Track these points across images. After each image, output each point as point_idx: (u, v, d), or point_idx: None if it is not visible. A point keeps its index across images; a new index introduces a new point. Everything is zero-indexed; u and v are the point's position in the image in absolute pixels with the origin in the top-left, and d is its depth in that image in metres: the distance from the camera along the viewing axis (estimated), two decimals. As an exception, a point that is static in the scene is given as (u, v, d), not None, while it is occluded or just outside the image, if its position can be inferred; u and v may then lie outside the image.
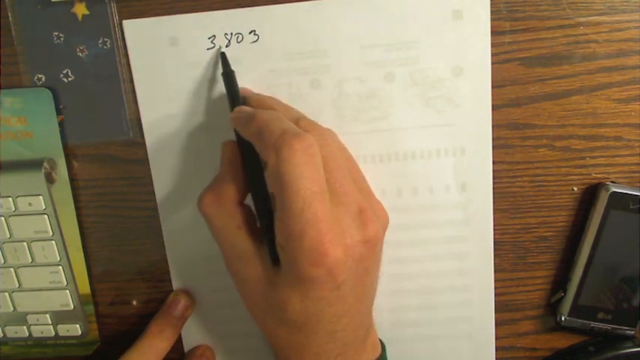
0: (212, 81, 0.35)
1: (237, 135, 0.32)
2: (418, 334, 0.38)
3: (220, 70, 0.34)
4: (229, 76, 0.33)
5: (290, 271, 0.28)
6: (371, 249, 0.29)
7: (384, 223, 0.32)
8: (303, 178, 0.26)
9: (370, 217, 0.29)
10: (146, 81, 0.35)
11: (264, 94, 0.35)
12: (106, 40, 0.35)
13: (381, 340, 0.34)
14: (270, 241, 0.29)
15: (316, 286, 0.27)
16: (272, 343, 0.32)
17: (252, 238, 0.30)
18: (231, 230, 0.30)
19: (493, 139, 0.35)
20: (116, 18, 0.34)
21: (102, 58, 0.35)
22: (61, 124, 0.36)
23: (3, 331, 0.39)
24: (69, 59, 0.35)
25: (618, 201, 0.35)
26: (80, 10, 0.34)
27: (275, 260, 0.29)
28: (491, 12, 0.34)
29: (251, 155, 0.31)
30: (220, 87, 0.35)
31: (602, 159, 0.36)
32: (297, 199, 0.26)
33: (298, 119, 0.31)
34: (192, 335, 0.39)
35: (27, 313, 0.39)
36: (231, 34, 0.34)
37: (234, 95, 0.33)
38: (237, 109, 0.32)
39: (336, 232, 0.27)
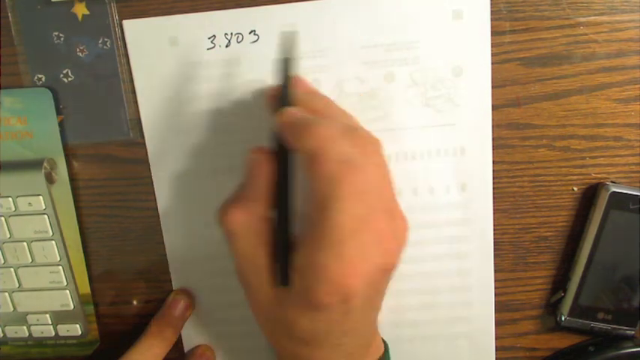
0: (212, 81, 0.35)
1: (276, 140, 0.29)
2: (418, 334, 0.38)
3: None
4: (287, 64, 0.29)
5: (303, 294, 0.27)
6: (386, 274, 0.28)
7: (401, 245, 0.29)
8: (346, 215, 0.26)
9: (390, 244, 0.28)
10: (146, 81, 0.35)
11: (262, 94, 0.34)
12: (106, 40, 0.35)
13: (384, 340, 0.34)
14: (284, 261, 0.29)
15: (328, 311, 0.27)
16: (276, 350, 0.32)
17: (271, 255, 0.29)
18: (253, 247, 0.29)
19: (493, 139, 0.35)
20: (116, 18, 0.34)
21: (102, 58, 0.35)
22: (61, 124, 0.36)
23: (3, 331, 0.39)
24: (69, 59, 0.35)
25: (618, 201, 0.35)
26: (80, 10, 0.34)
27: (284, 279, 0.29)
28: (491, 12, 0.34)
29: (285, 168, 0.29)
30: (221, 87, 0.35)
31: (602, 159, 0.36)
32: (332, 234, 0.26)
33: (353, 130, 0.28)
34: (192, 335, 0.39)
35: (27, 313, 0.39)
36: (231, 34, 0.34)
37: (286, 92, 0.29)
38: (287, 112, 0.28)
39: (360, 265, 0.26)
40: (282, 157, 0.29)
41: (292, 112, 0.29)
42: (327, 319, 0.27)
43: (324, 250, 0.26)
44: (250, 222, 0.29)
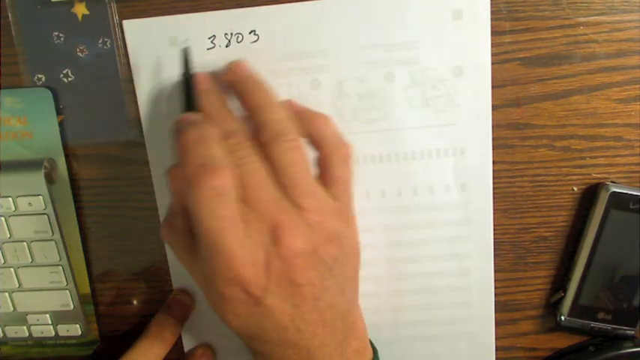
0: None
1: None
2: (418, 334, 0.38)
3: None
4: (187, 80, 0.32)
5: (211, 292, 0.29)
6: (289, 262, 0.28)
7: (317, 235, 0.30)
8: (212, 217, 0.27)
9: (285, 232, 0.28)
10: (146, 81, 0.35)
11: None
12: (106, 40, 0.35)
13: (373, 346, 0.34)
14: None
15: (238, 302, 0.28)
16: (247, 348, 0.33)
17: None
18: (185, 255, 0.31)
19: (493, 139, 0.35)
20: (116, 18, 0.34)
21: (102, 58, 0.35)
22: (61, 124, 0.36)
23: (3, 331, 0.39)
24: (69, 59, 0.35)
25: (618, 201, 0.35)
26: (80, 10, 0.34)
27: None
28: (491, 12, 0.34)
29: None
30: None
31: (602, 159, 0.36)
32: (207, 234, 0.27)
33: (230, 134, 0.30)
34: (192, 335, 0.39)
35: (27, 313, 0.39)
36: (231, 34, 0.34)
37: (188, 99, 0.31)
38: (182, 116, 0.31)
39: (245, 254, 0.28)
40: None
41: (181, 117, 0.31)
42: (246, 313, 0.29)
43: (206, 248, 0.28)
44: (175, 233, 0.31)
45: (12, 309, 0.38)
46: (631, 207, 0.35)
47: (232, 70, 0.33)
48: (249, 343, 0.32)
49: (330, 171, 0.32)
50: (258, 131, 0.30)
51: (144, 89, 0.35)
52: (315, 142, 0.32)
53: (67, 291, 0.38)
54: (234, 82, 0.33)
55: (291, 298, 0.29)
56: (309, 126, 0.32)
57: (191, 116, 0.30)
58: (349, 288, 0.32)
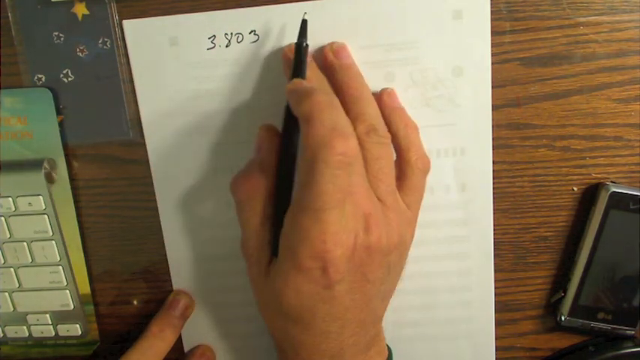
0: (212, 81, 0.35)
1: (287, 112, 0.30)
2: (418, 334, 0.38)
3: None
4: (300, 48, 0.31)
5: (287, 259, 0.28)
6: (371, 255, 0.29)
7: (393, 234, 0.30)
8: (331, 183, 0.26)
9: (375, 223, 0.28)
10: (146, 81, 0.35)
11: (262, 94, 0.35)
12: (106, 40, 0.35)
13: (389, 348, 0.34)
14: (277, 231, 0.30)
15: (310, 279, 0.28)
16: (272, 333, 0.32)
17: (274, 229, 0.30)
18: (258, 219, 0.31)
19: (493, 139, 0.35)
20: (116, 18, 0.34)
21: (102, 58, 0.35)
22: (61, 124, 0.36)
23: (3, 331, 0.39)
24: (69, 59, 0.35)
25: (618, 201, 0.35)
26: (80, 10, 0.34)
27: (275, 249, 0.30)
28: (492, 12, 0.34)
29: (291, 139, 0.30)
30: (221, 87, 0.35)
31: (602, 159, 0.36)
32: (317, 200, 0.26)
33: (358, 115, 0.30)
34: (192, 335, 0.39)
35: (27, 313, 0.39)
36: (231, 34, 0.34)
37: (299, 66, 0.31)
38: (295, 80, 0.30)
39: (340, 234, 0.27)
40: (289, 127, 0.30)
41: (297, 81, 0.30)
42: (311, 292, 0.28)
43: (306, 213, 0.27)
44: (258, 193, 0.30)
45: (12, 309, 0.38)
46: (631, 207, 0.35)
47: (335, 53, 0.33)
48: (285, 328, 0.30)
49: (409, 178, 0.32)
50: (355, 120, 0.30)
51: (144, 89, 0.35)
52: (401, 147, 0.32)
53: (67, 291, 0.38)
54: (334, 66, 0.32)
55: (355, 292, 0.29)
56: (402, 129, 0.32)
57: (307, 83, 0.30)
58: (388, 297, 0.33)
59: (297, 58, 0.31)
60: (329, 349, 0.30)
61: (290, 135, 0.30)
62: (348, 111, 0.30)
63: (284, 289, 0.29)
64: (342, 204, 0.27)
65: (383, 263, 0.30)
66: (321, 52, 0.33)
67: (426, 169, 0.33)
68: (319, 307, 0.29)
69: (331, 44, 0.33)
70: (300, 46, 0.31)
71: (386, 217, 0.30)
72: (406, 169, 0.32)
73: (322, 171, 0.26)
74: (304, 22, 0.32)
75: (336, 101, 0.29)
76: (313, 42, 0.34)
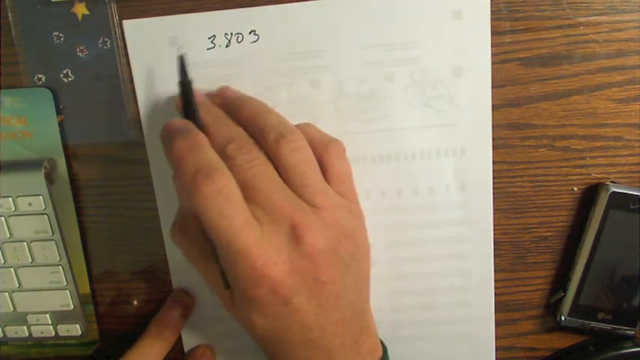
0: (212, 81, 0.35)
1: None
2: (418, 334, 0.38)
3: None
4: (185, 86, 0.31)
5: (238, 293, 0.29)
6: (314, 260, 0.28)
7: (334, 232, 0.30)
8: (222, 218, 0.27)
9: (305, 230, 0.28)
10: (146, 81, 0.35)
11: (262, 94, 0.34)
12: (106, 40, 0.35)
13: (383, 343, 0.34)
14: (221, 267, 0.30)
15: (266, 303, 0.28)
16: (262, 349, 0.32)
17: (219, 265, 0.30)
18: (202, 259, 0.31)
19: (493, 139, 0.35)
20: (116, 18, 0.34)
21: (102, 58, 0.35)
22: (61, 124, 0.36)
23: (3, 331, 0.39)
24: (69, 59, 0.35)
25: (618, 201, 0.35)
26: (80, 10, 0.34)
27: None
28: (491, 12, 0.34)
29: None
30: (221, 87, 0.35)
31: (602, 159, 0.36)
32: (223, 237, 0.27)
33: (230, 140, 0.29)
34: (192, 335, 0.39)
35: (27, 313, 0.39)
36: (231, 34, 0.34)
37: (188, 105, 0.31)
38: (165, 124, 0.30)
39: (267, 254, 0.27)
40: None
41: (166, 124, 0.30)
42: (273, 313, 0.29)
43: (225, 250, 0.27)
44: (191, 235, 0.31)
45: (12, 309, 0.38)
46: (631, 207, 0.35)
47: (221, 94, 0.34)
48: (269, 346, 0.31)
49: (330, 168, 0.32)
50: (260, 136, 0.30)
51: (144, 89, 0.35)
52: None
53: (67, 291, 0.38)
54: (225, 104, 0.33)
55: (316, 297, 0.29)
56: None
57: (177, 123, 0.30)
58: (364, 286, 0.33)
59: (184, 98, 0.31)
60: (317, 354, 0.30)
61: None
62: (251, 133, 0.30)
63: (249, 317, 0.29)
64: (248, 227, 0.27)
65: (333, 261, 0.29)
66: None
67: (340, 151, 0.32)
68: (289, 322, 0.29)
69: (217, 89, 0.34)
70: (185, 85, 0.31)
71: (320, 218, 0.29)
72: (321, 161, 0.31)
73: (207, 214, 0.27)
74: (181, 59, 0.31)
75: (200, 139, 0.29)
76: (313, 42, 0.34)
